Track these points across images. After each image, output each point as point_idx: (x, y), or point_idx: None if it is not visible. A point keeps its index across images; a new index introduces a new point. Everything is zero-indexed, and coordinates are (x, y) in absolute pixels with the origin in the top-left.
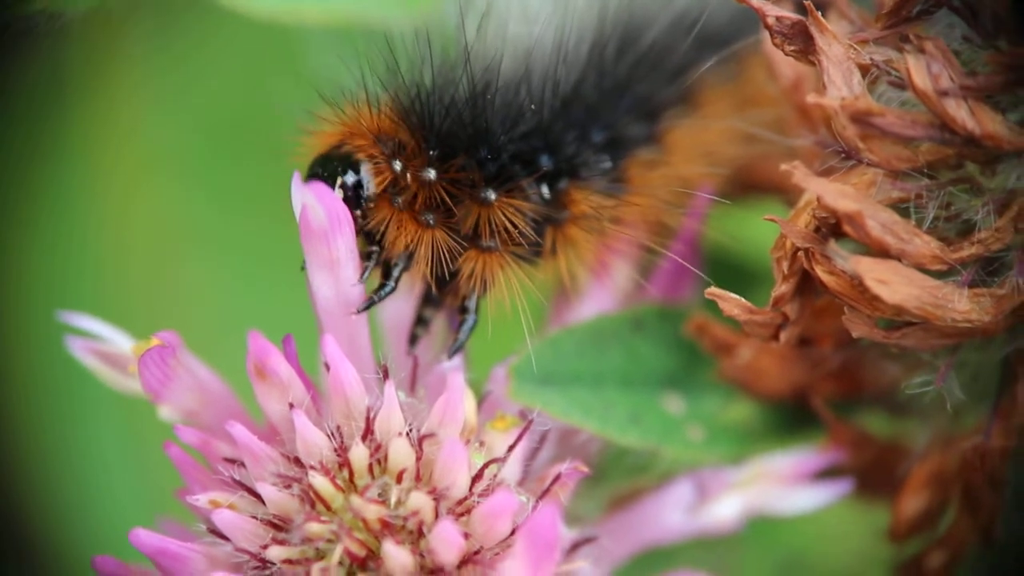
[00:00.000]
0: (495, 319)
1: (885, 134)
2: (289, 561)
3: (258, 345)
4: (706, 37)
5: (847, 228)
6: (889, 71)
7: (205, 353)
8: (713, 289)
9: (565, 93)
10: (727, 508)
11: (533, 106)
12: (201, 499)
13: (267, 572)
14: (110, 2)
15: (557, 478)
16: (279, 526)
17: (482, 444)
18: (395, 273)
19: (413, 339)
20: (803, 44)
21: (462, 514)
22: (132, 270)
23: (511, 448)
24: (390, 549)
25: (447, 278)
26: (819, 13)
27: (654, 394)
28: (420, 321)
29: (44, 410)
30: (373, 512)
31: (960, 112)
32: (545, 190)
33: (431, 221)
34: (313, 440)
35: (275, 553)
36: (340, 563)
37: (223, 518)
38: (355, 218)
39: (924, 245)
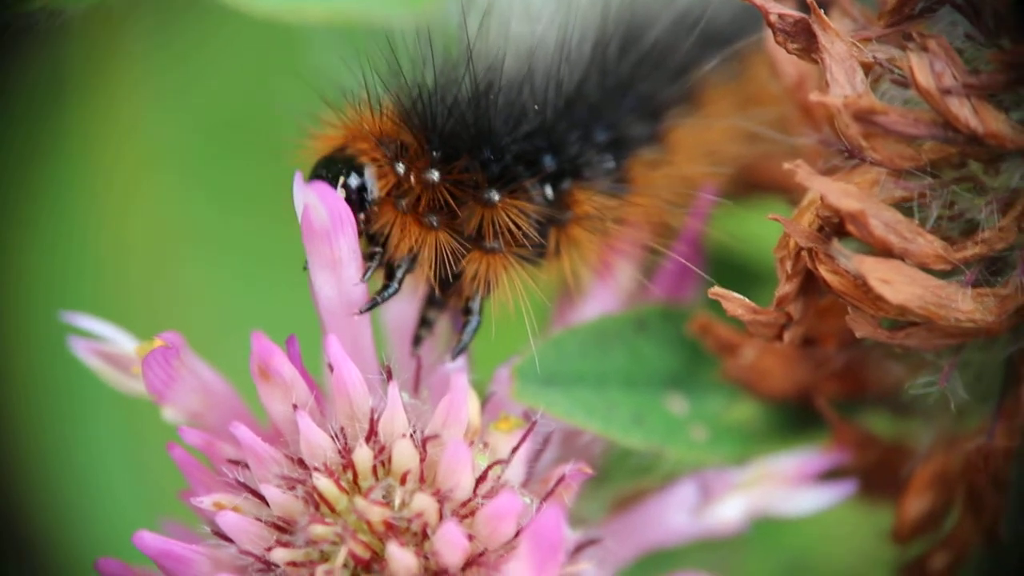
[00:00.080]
0: (499, 320)
1: (888, 133)
2: (293, 563)
3: (262, 346)
4: (709, 36)
5: (850, 227)
6: (892, 69)
7: (206, 353)
8: (716, 289)
9: (568, 92)
10: (731, 509)
11: (536, 106)
12: (205, 501)
13: (271, 574)
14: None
15: (561, 479)
16: (283, 528)
17: (486, 445)
18: (398, 275)
19: (417, 340)
20: (806, 42)
21: (466, 516)
22: (132, 270)
23: (515, 449)
24: (394, 551)
25: (451, 280)
26: (822, 11)
27: (657, 394)
28: (424, 322)
29: (44, 410)
30: (377, 514)
31: (963, 110)
32: (548, 191)
33: (435, 223)
34: (317, 441)
35: (279, 555)
36: (344, 565)
37: (227, 520)
38: (358, 221)
39: (927, 244)
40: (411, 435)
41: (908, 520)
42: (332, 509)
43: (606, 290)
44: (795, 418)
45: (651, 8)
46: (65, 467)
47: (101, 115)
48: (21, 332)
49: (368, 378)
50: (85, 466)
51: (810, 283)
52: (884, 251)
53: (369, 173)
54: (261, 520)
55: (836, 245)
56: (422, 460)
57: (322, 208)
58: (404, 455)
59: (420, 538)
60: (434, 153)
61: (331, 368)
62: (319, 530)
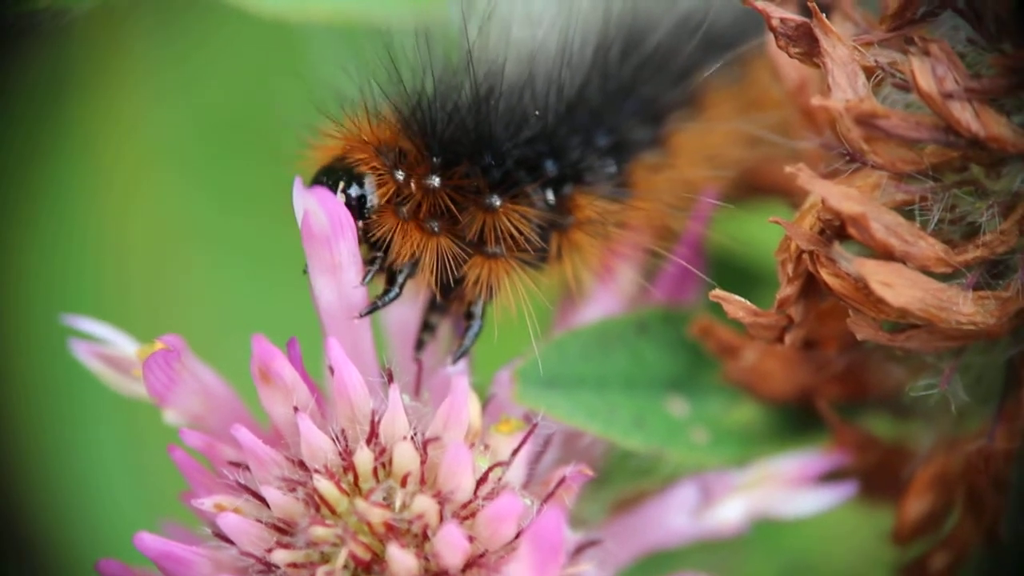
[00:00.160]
0: (500, 323)
1: (890, 136)
2: (294, 565)
3: (262, 348)
4: (710, 40)
5: (852, 230)
6: (894, 73)
7: (206, 354)
8: (717, 291)
9: (569, 97)
10: (731, 511)
11: (537, 111)
12: (206, 502)
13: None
14: None
15: (562, 481)
16: (284, 530)
17: (486, 447)
18: (400, 280)
19: (419, 345)
20: (808, 46)
21: (467, 517)
22: (132, 270)
23: (515, 451)
24: (395, 553)
25: (452, 284)
26: (823, 15)
27: (658, 397)
28: (426, 327)
29: (44, 411)
30: (378, 515)
31: (965, 114)
32: (550, 195)
33: (436, 228)
34: (318, 444)
35: (280, 557)
36: (345, 567)
37: (228, 522)
38: (359, 229)
39: (929, 248)
40: (412, 437)
41: (908, 521)
42: (333, 511)
43: (607, 293)
44: (796, 420)
45: (653, 12)
46: (66, 468)
47: (102, 114)
48: (21, 333)
49: (369, 381)
50: (86, 467)
51: (811, 286)
52: (885, 254)
53: (368, 182)
54: (262, 522)
55: (837, 248)
56: (423, 462)
57: (322, 213)
58: (405, 457)
59: (421, 539)
60: (435, 159)
61: (332, 371)
62: (320, 532)
